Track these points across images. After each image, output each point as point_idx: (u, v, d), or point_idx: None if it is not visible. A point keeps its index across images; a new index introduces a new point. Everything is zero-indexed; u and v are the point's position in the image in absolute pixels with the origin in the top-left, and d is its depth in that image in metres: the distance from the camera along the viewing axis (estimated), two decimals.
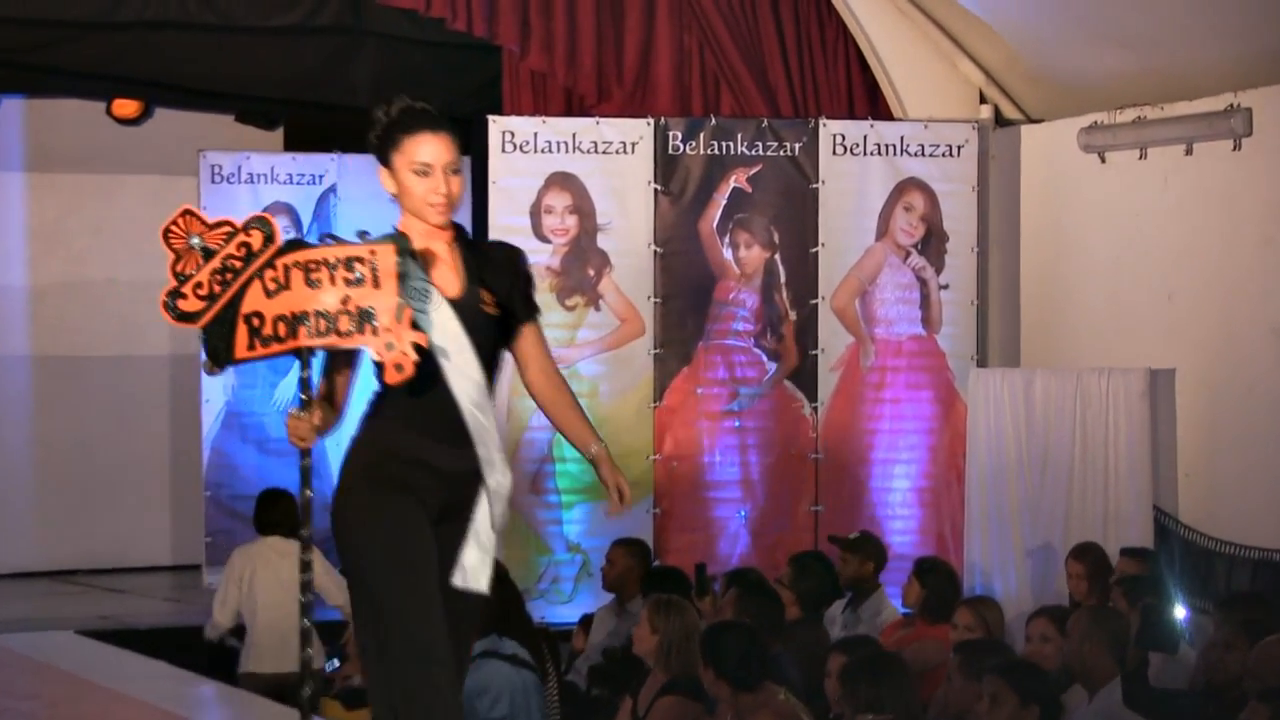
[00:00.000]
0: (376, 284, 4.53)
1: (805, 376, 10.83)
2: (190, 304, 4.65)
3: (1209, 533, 9.61)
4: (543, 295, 4.77)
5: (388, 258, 4.54)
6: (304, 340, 4.60)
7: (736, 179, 10.82)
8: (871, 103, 11.32)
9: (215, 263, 4.64)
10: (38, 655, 8.12)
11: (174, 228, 4.67)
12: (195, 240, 4.66)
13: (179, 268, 4.66)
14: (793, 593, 8.61)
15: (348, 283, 4.55)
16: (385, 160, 4.72)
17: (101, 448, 13.47)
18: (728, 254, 10.81)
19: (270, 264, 4.63)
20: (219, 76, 12.42)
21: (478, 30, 10.85)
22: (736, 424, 10.80)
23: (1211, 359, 9.74)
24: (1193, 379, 9.84)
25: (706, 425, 10.79)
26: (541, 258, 10.41)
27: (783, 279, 10.84)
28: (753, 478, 10.80)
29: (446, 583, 4.65)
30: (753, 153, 10.82)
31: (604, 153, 10.72)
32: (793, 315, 10.82)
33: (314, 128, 13.11)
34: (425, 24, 11.18)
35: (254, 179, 12.31)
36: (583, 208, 10.70)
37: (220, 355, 4.66)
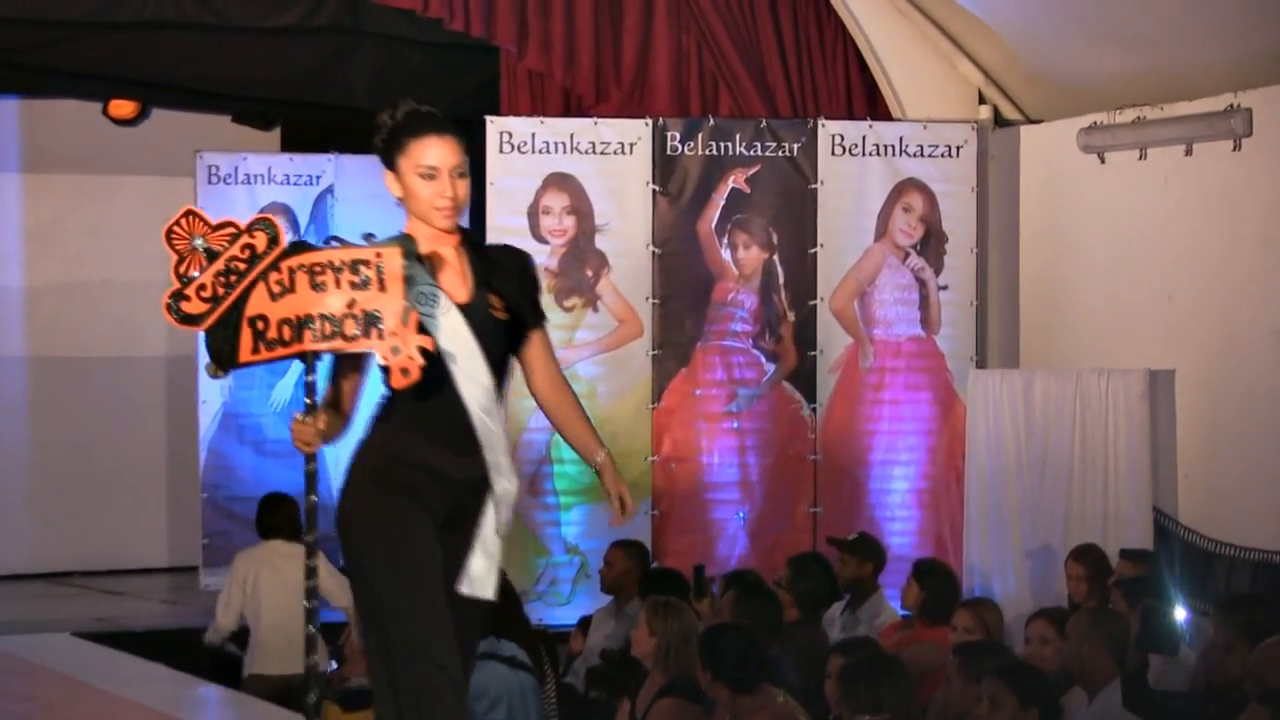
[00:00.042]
0: (382, 287, 4.50)
1: (804, 377, 10.81)
2: (194, 306, 4.61)
3: (1209, 534, 9.60)
4: (541, 296, 4.75)
5: (393, 261, 4.50)
6: (309, 344, 4.56)
7: (735, 179, 10.80)
8: (870, 103, 11.30)
9: (219, 264, 4.60)
10: (34, 657, 8.11)
11: (177, 228, 4.63)
12: (198, 241, 4.62)
13: (182, 269, 4.62)
14: (791, 594, 8.61)
15: (353, 286, 4.51)
16: (390, 164, 4.68)
17: (98, 449, 13.46)
18: (726, 255, 10.79)
19: (275, 266, 4.59)
20: (216, 77, 12.41)
21: (475, 30, 10.84)
22: (735, 425, 10.78)
23: (1211, 360, 9.73)
24: (1192, 380, 9.83)
25: (705, 426, 10.77)
26: (539, 259, 10.31)
27: (781, 280, 10.82)
28: (751, 479, 10.79)
29: (452, 590, 4.62)
30: (751, 153, 10.80)
31: (602, 153, 10.71)
32: (791, 316, 10.80)
33: (311, 128, 13.10)
34: (423, 24, 11.17)
35: (251, 180, 12.29)
36: (581, 208, 10.69)
37: (224, 359, 4.62)
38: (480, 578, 4.68)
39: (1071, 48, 10.42)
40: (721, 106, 11.17)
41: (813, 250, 10.81)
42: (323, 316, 4.54)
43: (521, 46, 10.94)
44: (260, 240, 4.61)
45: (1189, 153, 9.88)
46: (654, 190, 10.74)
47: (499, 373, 4.68)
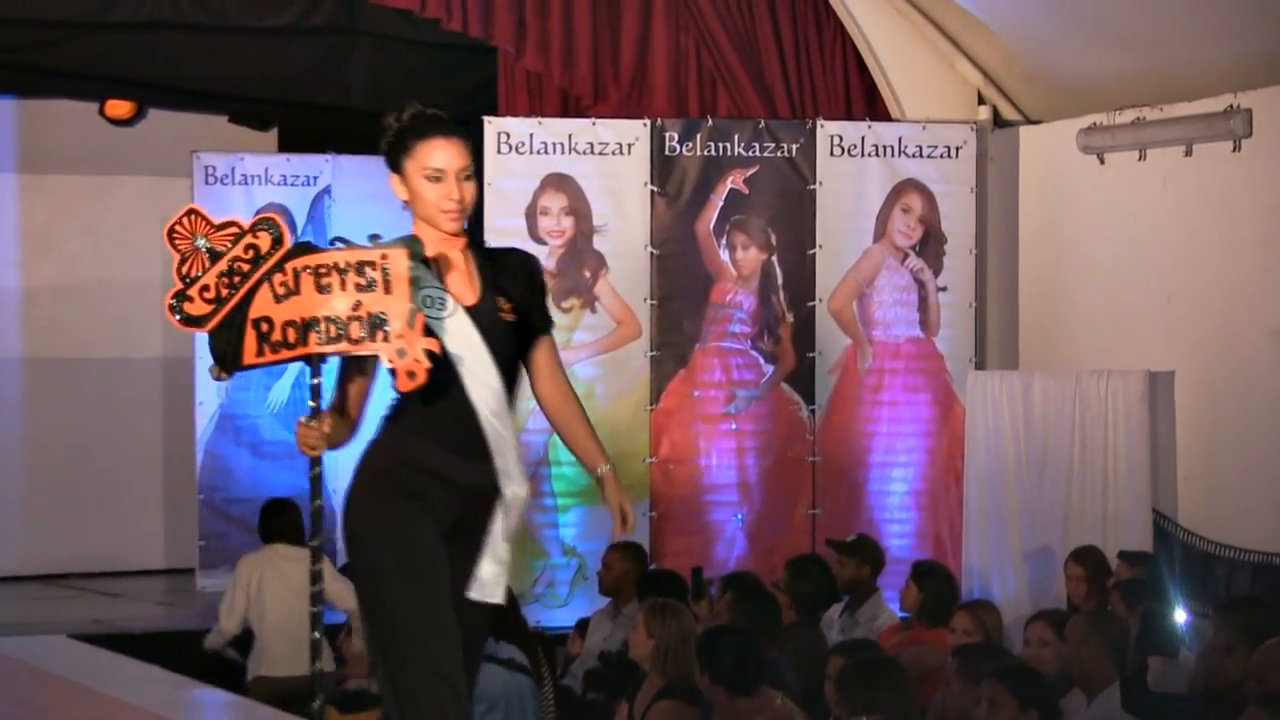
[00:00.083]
0: (388, 289, 4.45)
1: (803, 379, 10.79)
2: (197, 307, 4.56)
3: (1208, 536, 9.59)
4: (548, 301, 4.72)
5: (400, 262, 4.46)
6: (314, 347, 4.52)
7: (733, 180, 10.78)
8: (869, 103, 11.29)
9: (222, 265, 4.55)
10: (30, 659, 8.07)
11: (179, 228, 4.58)
12: (201, 241, 4.57)
13: (184, 269, 4.57)
14: (789, 596, 8.59)
15: (359, 288, 4.47)
16: (396, 166, 4.65)
17: (95, 450, 13.44)
18: (724, 255, 10.78)
19: (279, 268, 4.54)
20: (212, 77, 12.40)
21: (473, 31, 10.82)
22: (733, 427, 10.76)
23: (1211, 360, 9.72)
24: (1192, 381, 9.82)
25: (703, 428, 10.75)
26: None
27: (780, 281, 10.81)
28: (750, 481, 10.77)
29: (459, 596, 4.59)
30: (750, 154, 10.79)
31: (600, 154, 10.69)
32: (790, 317, 10.79)
33: (308, 129, 13.08)
34: (420, 24, 11.16)
35: (248, 180, 12.27)
36: (579, 209, 10.67)
37: (228, 361, 4.57)
38: (489, 583, 4.66)
39: (1071, 48, 10.41)
40: (720, 107, 11.15)
41: (811, 251, 10.79)
42: (328, 319, 4.49)
43: (519, 47, 10.92)
44: (264, 241, 4.56)
45: (1188, 153, 9.87)
46: (652, 191, 10.73)
47: (508, 376, 4.64)
